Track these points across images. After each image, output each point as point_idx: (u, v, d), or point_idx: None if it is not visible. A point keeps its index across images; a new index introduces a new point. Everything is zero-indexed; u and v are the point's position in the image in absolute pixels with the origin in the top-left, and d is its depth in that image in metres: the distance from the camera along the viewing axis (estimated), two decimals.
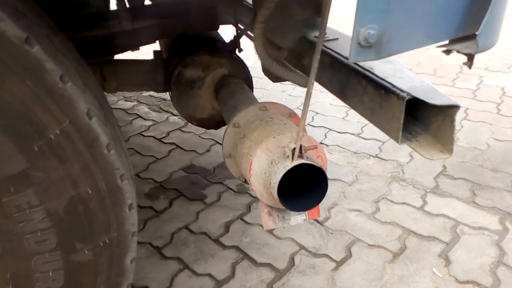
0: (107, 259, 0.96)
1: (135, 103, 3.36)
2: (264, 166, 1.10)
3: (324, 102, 3.20)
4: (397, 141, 1.29)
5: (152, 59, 1.94)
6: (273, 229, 1.89)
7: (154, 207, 2.09)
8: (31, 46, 0.72)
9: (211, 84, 1.87)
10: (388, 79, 1.35)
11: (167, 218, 2.01)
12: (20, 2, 0.78)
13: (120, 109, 3.27)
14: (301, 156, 1.04)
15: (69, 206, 0.85)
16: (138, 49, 1.82)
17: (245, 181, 1.37)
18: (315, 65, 0.97)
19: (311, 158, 1.10)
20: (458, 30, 0.86)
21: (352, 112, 2.99)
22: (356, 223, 1.91)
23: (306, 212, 1.21)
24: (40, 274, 0.88)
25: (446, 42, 0.92)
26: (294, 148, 1.02)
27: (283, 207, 1.09)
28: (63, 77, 0.77)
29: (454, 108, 1.18)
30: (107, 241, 0.94)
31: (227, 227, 1.93)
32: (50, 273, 0.89)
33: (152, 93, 3.48)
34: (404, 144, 1.30)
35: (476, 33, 0.82)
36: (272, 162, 1.08)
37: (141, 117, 3.11)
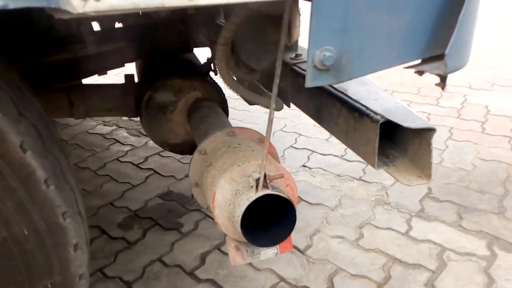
0: None
1: (114, 127, 3.28)
2: (229, 197, 1.02)
3: (308, 123, 3.15)
4: (373, 165, 1.22)
5: (122, 84, 1.87)
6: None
7: (127, 237, 1.98)
8: None
9: (184, 108, 1.81)
10: (362, 101, 1.29)
11: (140, 250, 1.90)
12: None
13: (98, 134, 3.18)
14: (266, 186, 0.96)
15: (1, 248, 0.76)
16: (106, 73, 1.76)
17: None
18: (274, 90, 0.90)
19: (278, 188, 1.02)
20: (425, 50, 0.80)
21: None
22: (339, 251, 1.82)
23: (278, 245, 1.12)
24: None
25: (414, 63, 0.87)
26: (259, 178, 0.94)
27: None
28: None
29: (430, 131, 1.12)
30: (49, 286, 0.84)
31: (203, 259, 1.82)
32: None
33: None
34: (381, 169, 1.23)
35: (445, 52, 0.76)
36: (236, 193, 1.00)
37: (119, 142, 3.02)
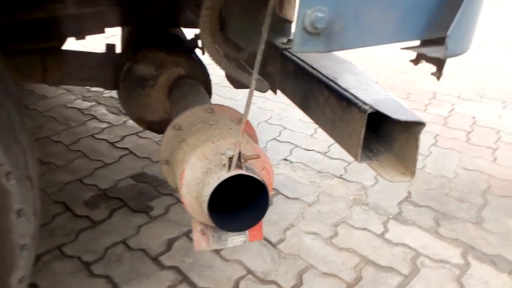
0: None
1: (94, 103, 3.14)
2: (198, 175, 0.93)
3: (294, 117, 3.08)
4: (356, 158, 1.15)
5: (103, 53, 1.76)
6: (219, 251, 1.71)
7: (92, 217, 1.88)
8: None
9: (165, 84, 1.71)
10: (351, 90, 1.22)
11: (104, 230, 1.80)
12: None
13: (76, 108, 3.04)
14: (240, 166, 0.88)
15: None
16: (84, 38, 1.64)
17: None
18: (258, 57, 0.82)
19: (253, 169, 0.94)
20: (425, 30, 0.74)
21: (321, 130, 2.88)
22: (312, 248, 1.76)
23: (247, 232, 1.05)
24: None
25: (411, 44, 0.80)
26: (232, 156, 0.86)
27: None
28: None
29: (419, 125, 1.06)
30: None
31: (169, 245, 1.73)
32: None
33: (113, 94, 3.28)
34: (364, 162, 1.16)
35: (447, 33, 0.69)
36: (207, 171, 0.92)
37: (97, 118, 2.90)
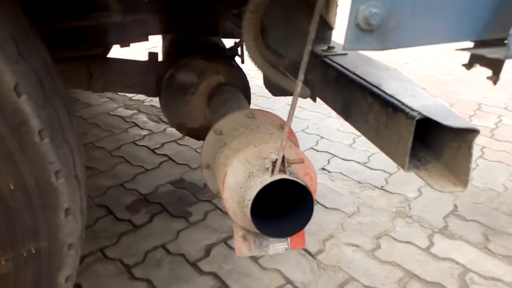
0: (32, 273, 0.78)
1: (135, 111, 3.23)
2: (241, 179, 0.92)
3: (331, 127, 3.03)
4: (402, 167, 1.10)
5: (145, 61, 1.80)
6: (257, 258, 1.69)
7: (133, 220, 1.91)
8: None
9: (205, 92, 1.72)
10: (397, 96, 1.17)
11: (144, 234, 1.82)
12: None
13: (118, 116, 3.14)
14: (283, 170, 0.86)
15: None
16: (129, 45, 1.69)
17: None
18: (305, 58, 0.80)
19: (296, 174, 0.92)
20: (483, 30, 0.69)
21: (360, 139, 2.81)
22: (353, 260, 1.70)
23: (289, 240, 1.02)
24: None
25: (466, 46, 0.76)
26: (276, 160, 0.85)
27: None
28: None
29: (472, 133, 0.99)
30: (33, 252, 0.76)
31: (208, 251, 1.73)
32: None
33: (154, 102, 3.36)
34: (411, 171, 1.11)
35: (510, 32, 0.65)
36: (250, 175, 0.91)
37: (138, 125, 2.97)
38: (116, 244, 1.76)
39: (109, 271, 1.61)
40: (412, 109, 1.08)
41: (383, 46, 0.64)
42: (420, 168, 1.13)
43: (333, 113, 3.26)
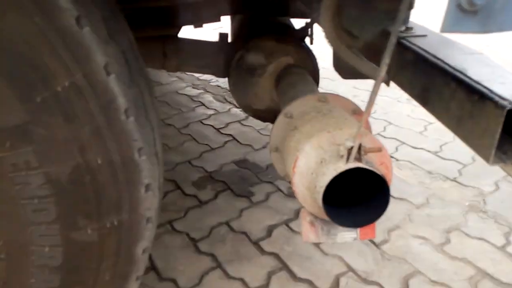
0: (114, 243, 0.84)
1: (202, 91, 3.31)
2: (312, 165, 0.91)
3: (401, 113, 2.89)
4: (487, 160, 1.02)
5: (216, 41, 1.82)
6: (319, 243, 1.68)
7: (199, 196, 1.98)
8: None
9: (273, 73, 1.71)
10: (484, 83, 1.08)
11: (209, 210, 1.89)
12: None
13: (186, 95, 3.23)
14: (359, 158, 0.84)
15: (73, 174, 0.73)
16: (201, 26, 1.71)
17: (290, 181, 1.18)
18: (393, 40, 0.76)
19: (372, 163, 0.89)
20: None
21: (433, 127, 2.66)
22: (420, 253, 1.63)
23: (358, 229, 1.00)
24: (35, 247, 0.78)
25: None
26: (351, 147, 0.82)
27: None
28: (81, 20, 0.65)
29: None
30: (115, 223, 0.81)
31: (269, 231, 1.75)
32: (47, 249, 0.78)
33: (220, 83, 3.42)
34: (496, 165, 1.03)
35: None
36: (322, 162, 0.89)
37: (204, 105, 3.04)
38: (184, 218, 1.84)
39: (177, 243, 1.69)
40: (502, 98, 0.98)
41: (485, 29, 0.58)
42: (506, 162, 1.05)
43: (403, 98, 3.11)
